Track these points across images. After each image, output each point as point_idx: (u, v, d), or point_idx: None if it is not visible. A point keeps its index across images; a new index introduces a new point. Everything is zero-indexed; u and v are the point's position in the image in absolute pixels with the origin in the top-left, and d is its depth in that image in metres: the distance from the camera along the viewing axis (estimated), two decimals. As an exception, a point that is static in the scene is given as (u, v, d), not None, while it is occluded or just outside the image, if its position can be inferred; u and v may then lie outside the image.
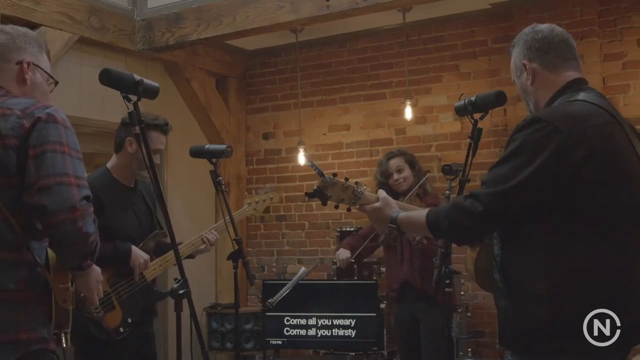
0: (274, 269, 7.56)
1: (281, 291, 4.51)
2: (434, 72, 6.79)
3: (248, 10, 5.89)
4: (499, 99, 2.93)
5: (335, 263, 5.10)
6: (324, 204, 2.77)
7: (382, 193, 2.76)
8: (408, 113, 6.36)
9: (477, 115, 2.99)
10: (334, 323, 5.82)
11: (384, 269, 6.58)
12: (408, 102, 6.32)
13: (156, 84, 2.73)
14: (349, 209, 2.77)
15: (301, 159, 6.93)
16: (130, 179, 3.95)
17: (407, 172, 4.67)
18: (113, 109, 5.56)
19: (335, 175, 2.77)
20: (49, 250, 2.29)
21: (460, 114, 3.05)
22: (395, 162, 4.68)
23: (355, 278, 6.24)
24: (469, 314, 5.82)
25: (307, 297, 5.85)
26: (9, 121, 2.20)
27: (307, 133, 7.15)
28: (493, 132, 6.46)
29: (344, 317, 5.81)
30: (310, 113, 7.36)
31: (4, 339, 2.13)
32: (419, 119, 6.64)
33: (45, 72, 2.51)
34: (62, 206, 2.14)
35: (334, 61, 7.34)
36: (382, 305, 6.00)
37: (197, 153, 3.85)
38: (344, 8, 5.49)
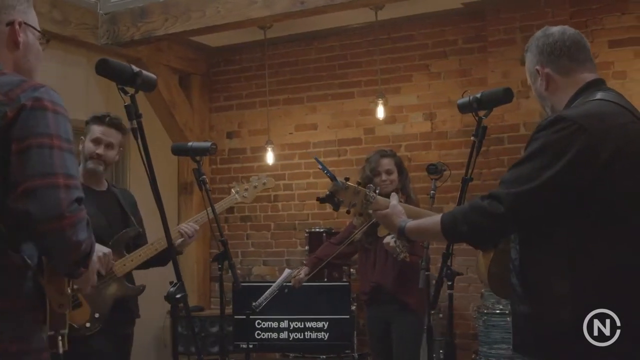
0: (239, 271, 7.34)
1: (266, 294, 4.37)
2: (404, 72, 6.73)
3: (218, 5, 5.74)
4: (506, 96, 2.87)
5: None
6: (336, 209, 2.67)
7: (393, 199, 2.66)
8: (380, 112, 6.28)
9: (481, 113, 2.92)
10: (307, 326, 5.72)
11: (354, 270, 6.51)
12: (380, 101, 6.25)
13: (154, 76, 2.59)
14: (360, 214, 2.66)
15: (269, 158, 6.80)
16: (99, 182, 3.81)
17: (395, 175, 4.56)
18: (75, 105, 5.34)
19: (347, 179, 2.66)
20: None
21: (463, 111, 2.98)
22: (387, 162, 4.57)
23: (326, 280, 6.15)
24: (440, 315, 5.77)
25: (278, 300, 5.70)
26: None
27: (274, 132, 7.02)
28: (464, 132, 6.43)
29: (316, 320, 5.71)
30: (277, 112, 7.23)
31: None
32: (388, 119, 6.57)
33: (37, 30, 2.20)
34: (49, 214, 1.87)
35: (300, 59, 7.23)
36: (353, 307, 5.92)
37: (179, 151, 3.71)
38: (319, 4, 5.39)
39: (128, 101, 2.50)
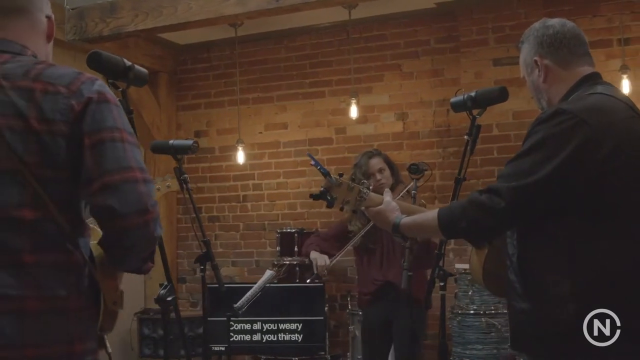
0: (207, 272, 7.27)
1: (248, 295, 4.27)
2: (376, 71, 6.70)
3: (191, 2, 5.62)
4: (502, 95, 2.85)
5: (308, 268, 4.68)
6: (330, 206, 2.62)
7: (387, 195, 2.61)
8: (353, 112, 6.24)
9: (475, 112, 2.89)
10: (280, 327, 5.63)
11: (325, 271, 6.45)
12: (353, 101, 6.20)
13: (145, 70, 2.50)
14: (354, 211, 2.61)
15: (240, 157, 6.71)
16: None
17: (387, 172, 4.50)
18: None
19: (341, 175, 2.62)
20: (92, 245, 2.01)
21: (457, 109, 2.95)
22: (376, 162, 4.51)
23: (298, 281, 6.09)
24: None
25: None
26: (55, 101, 1.85)
27: (243, 131, 6.91)
28: (436, 133, 6.44)
29: (290, 322, 5.62)
30: (246, 111, 7.13)
31: (59, 352, 1.83)
32: (360, 119, 6.52)
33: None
34: (133, 208, 1.84)
35: (270, 58, 7.15)
36: (325, 309, 5.85)
37: (160, 149, 3.61)
38: (295, 2, 5.31)
39: (120, 96, 2.41)
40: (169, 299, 2.54)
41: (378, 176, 4.40)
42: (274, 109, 7.13)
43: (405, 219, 2.52)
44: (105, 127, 1.88)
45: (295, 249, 6.27)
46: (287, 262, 6.17)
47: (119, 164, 1.86)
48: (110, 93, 1.95)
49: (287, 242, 6.35)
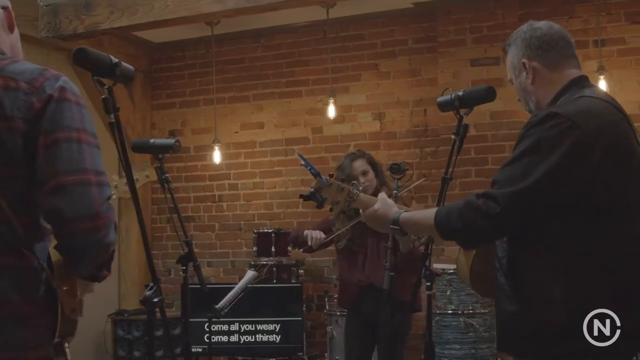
0: (181, 273, 7.19)
1: (229, 296, 4.23)
2: (353, 71, 6.68)
3: (167, -1, 5.57)
4: (489, 94, 2.83)
5: (299, 245, 4.44)
6: (320, 206, 2.59)
7: (381, 195, 2.59)
8: (331, 111, 6.22)
9: (462, 111, 2.87)
10: (258, 328, 5.59)
11: (302, 271, 6.42)
12: (331, 100, 6.18)
13: (131, 67, 2.44)
14: (343, 212, 2.59)
15: (216, 157, 6.65)
16: None
17: (371, 175, 4.40)
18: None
19: (331, 175, 2.59)
20: (51, 250, 1.94)
21: (444, 109, 2.92)
22: (360, 165, 4.39)
23: (275, 282, 6.05)
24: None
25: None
26: (15, 98, 1.79)
27: (219, 130, 6.85)
28: (413, 133, 6.44)
29: (268, 322, 5.59)
30: (222, 110, 7.07)
31: (11, 359, 1.77)
32: (337, 118, 6.49)
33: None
34: (83, 212, 1.78)
35: (247, 57, 7.10)
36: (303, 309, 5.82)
37: (141, 148, 3.56)
38: (273, 0, 5.28)
39: (105, 94, 2.36)
40: (155, 300, 2.47)
41: (362, 179, 4.29)
42: (250, 108, 7.08)
43: (405, 214, 2.49)
44: (62, 126, 1.82)
45: (273, 249, 6.23)
46: (265, 263, 6.12)
47: (72, 166, 1.80)
48: (73, 91, 1.89)
49: (264, 243, 6.30)
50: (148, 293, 2.50)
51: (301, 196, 2.64)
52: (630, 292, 2.18)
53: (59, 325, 1.89)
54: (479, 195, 2.21)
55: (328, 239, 4.36)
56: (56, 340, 1.93)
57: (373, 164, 4.45)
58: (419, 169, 6.24)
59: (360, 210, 2.74)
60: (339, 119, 6.60)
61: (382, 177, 4.47)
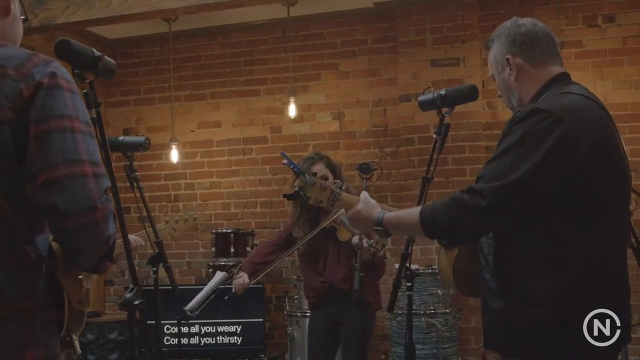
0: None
1: (199, 298, 4.13)
2: (312, 70, 6.65)
3: (126, -6, 5.43)
4: (472, 93, 2.83)
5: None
6: (304, 206, 2.54)
7: (363, 194, 2.55)
8: (292, 110, 6.17)
9: (444, 110, 2.86)
10: (219, 330, 5.51)
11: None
12: (291, 99, 6.13)
13: (113, 61, 2.36)
14: (325, 211, 2.55)
15: (174, 156, 6.53)
16: None
17: (331, 179, 4.30)
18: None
19: (315, 174, 2.55)
20: (52, 241, 1.83)
21: (425, 108, 2.91)
22: (319, 169, 4.26)
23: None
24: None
25: (185, 304, 5.47)
26: (2, 85, 1.67)
27: (175, 129, 6.74)
28: (373, 133, 6.43)
29: (229, 324, 5.51)
30: (178, 108, 6.95)
31: None
32: (296, 118, 6.44)
33: (22, 4, 1.99)
34: (79, 206, 1.67)
35: (204, 54, 7.00)
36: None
37: (110, 145, 3.42)
38: (236, -3, 5.21)
39: (86, 88, 2.27)
40: (136, 302, 2.39)
41: None
42: (207, 106, 6.98)
43: (389, 214, 2.44)
44: (53, 115, 1.71)
45: (232, 249, 6.15)
46: (223, 264, 6.03)
47: (65, 157, 1.70)
48: (65, 77, 1.78)
49: (223, 243, 6.22)
50: (128, 295, 2.42)
51: (285, 195, 2.60)
52: (617, 287, 2.20)
53: (65, 319, 1.80)
54: (463, 191, 2.19)
55: (262, 273, 4.37)
56: (63, 333, 1.83)
57: (332, 167, 4.35)
58: (379, 169, 6.22)
59: (343, 210, 2.71)
60: (298, 119, 6.55)
61: (342, 179, 4.41)
